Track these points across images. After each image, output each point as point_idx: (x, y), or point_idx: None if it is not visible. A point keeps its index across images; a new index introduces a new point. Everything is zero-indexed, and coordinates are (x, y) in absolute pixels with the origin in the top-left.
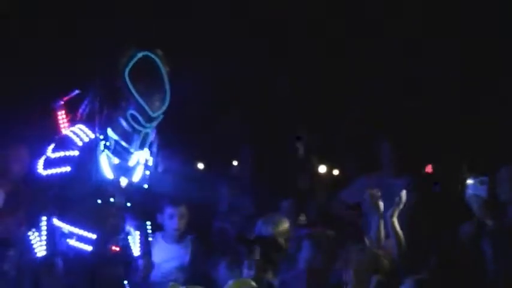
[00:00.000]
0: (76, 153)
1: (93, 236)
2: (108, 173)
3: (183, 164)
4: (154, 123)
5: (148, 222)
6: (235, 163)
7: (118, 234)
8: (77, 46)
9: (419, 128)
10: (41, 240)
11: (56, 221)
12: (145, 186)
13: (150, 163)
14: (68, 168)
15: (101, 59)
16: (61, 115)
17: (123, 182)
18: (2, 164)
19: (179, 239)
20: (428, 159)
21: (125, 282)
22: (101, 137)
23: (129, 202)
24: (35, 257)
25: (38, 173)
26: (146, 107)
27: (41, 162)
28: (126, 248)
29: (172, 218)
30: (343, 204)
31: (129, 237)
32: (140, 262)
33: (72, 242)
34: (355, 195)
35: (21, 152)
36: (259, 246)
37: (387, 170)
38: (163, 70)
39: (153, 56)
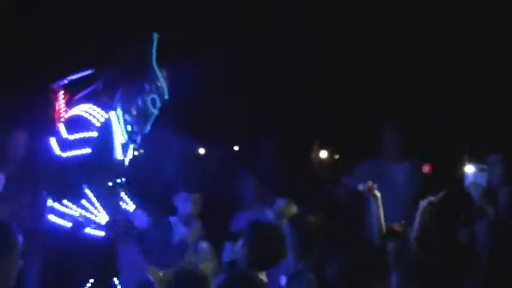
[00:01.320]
0: (95, 134)
1: (107, 219)
2: (119, 154)
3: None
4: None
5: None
6: (236, 148)
7: (122, 214)
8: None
9: (421, 115)
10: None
11: (69, 211)
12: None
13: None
14: (88, 150)
15: (112, 41)
16: (61, 95)
17: (126, 161)
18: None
19: (188, 222)
20: (430, 145)
21: None
22: (119, 113)
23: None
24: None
25: (55, 154)
26: (165, 89)
27: (55, 144)
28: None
29: (186, 201)
30: (347, 189)
31: None
32: (136, 213)
33: (88, 230)
34: (359, 181)
35: (19, 137)
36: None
37: (388, 156)
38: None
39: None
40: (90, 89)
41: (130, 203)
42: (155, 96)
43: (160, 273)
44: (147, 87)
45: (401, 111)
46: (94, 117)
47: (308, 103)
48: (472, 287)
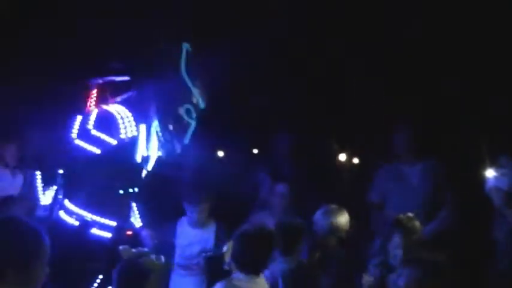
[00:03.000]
0: (114, 142)
1: (114, 224)
2: (137, 166)
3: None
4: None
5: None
6: (255, 151)
7: (129, 219)
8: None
9: (439, 119)
10: (44, 194)
11: (74, 208)
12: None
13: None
14: (98, 151)
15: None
16: (94, 94)
17: (144, 173)
18: (20, 152)
19: (203, 224)
20: (447, 149)
21: None
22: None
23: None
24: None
25: (70, 136)
26: (200, 100)
27: (76, 128)
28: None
29: (192, 212)
30: (373, 205)
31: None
32: (143, 233)
33: (95, 231)
34: (379, 192)
35: (34, 136)
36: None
37: (403, 159)
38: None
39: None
40: (125, 96)
41: (138, 219)
42: (190, 106)
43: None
44: (181, 98)
45: (417, 113)
46: (124, 127)
47: (327, 105)
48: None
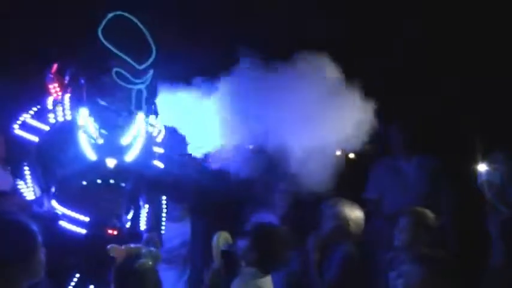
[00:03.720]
0: (46, 128)
1: (86, 219)
2: (90, 154)
3: None
4: (145, 79)
5: (163, 197)
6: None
7: (114, 217)
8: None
9: (431, 113)
10: (27, 187)
11: (49, 202)
12: (157, 163)
13: (159, 139)
14: (35, 139)
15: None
16: (54, 88)
17: (110, 162)
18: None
19: (181, 218)
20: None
21: None
22: (86, 110)
23: (124, 183)
24: (25, 201)
25: (12, 129)
26: (130, 61)
27: (19, 121)
28: (123, 229)
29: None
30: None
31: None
32: (145, 236)
33: (65, 224)
34: (376, 189)
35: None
36: None
37: (398, 154)
38: (142, 26)
39: (126, 15)
40: (67, 79)
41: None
42: (118, 69)
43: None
44: (104, 64)
45: (412, 108)
46: (54, 113)
47: None
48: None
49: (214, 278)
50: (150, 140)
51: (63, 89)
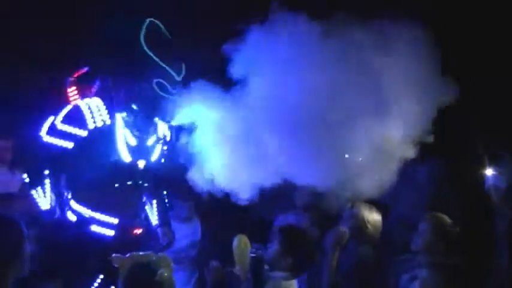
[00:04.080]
0: (84, 133)
1: (115, 221)
2: (125, 156)
3: None
4: (178, 89)
5: (164, 192)
6: None
7: (138, 216)
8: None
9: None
10: (45, 196)
11: (74, 205)
12: (162, 160)
13: (168, 138)
14: (69, 144)
15: (109, 34)
16: (72, 91)
17: (141, 164)
18: (14, 145)
19: (189, 218)
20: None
21: None
22: (123, 114)
23: (146, 182)
24: (40, 210)
25: (39, 136)
26: (171, 71)
27: (46, 126)
28: (145, 228)
29: (182, 208)
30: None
31: (146, 207)
32: (160, 231)
33: (94, 228)
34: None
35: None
36: None
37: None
38: (168, 35)
39: (156, 22)
40: (98, 85)
41: (154, 215)
42: (160, 79)
43: (123, 260)
44: (145, 74)
45: None
46: (92, 117)
47: None
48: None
49: (218, 276)
50: (166, 141)
51: (84, 93)
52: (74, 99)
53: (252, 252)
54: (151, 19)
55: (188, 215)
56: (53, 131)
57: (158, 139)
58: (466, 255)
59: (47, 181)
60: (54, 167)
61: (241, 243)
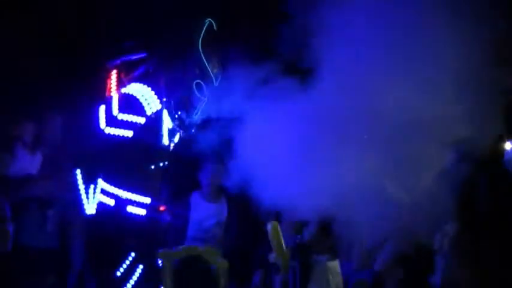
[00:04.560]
0: (143, 120)
1: (148, 201)
2: (165, 140)
3: None
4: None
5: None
6: None
7: (159, 195)
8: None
9: None
10: (94, 198)
11: (111, 188)
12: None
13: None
14: (130, 133)
15: (165, 24)
16: (113, 75)
17: (171, 146)
18: (38, 131)
19: (216, 197)
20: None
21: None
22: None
23: (170, 164)
24: (84, 215)
25: (99, 128)
26: (214, 78)
27: (102, 118)
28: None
29: (208, 173)
30: None
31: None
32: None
33: (131, 209)
34: None
35: (53, 121)
36: None
37: None
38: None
39: (212, 21)
40: (141, 69)
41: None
42: (201, 81)
43: (171, 254)
44: (192, 72)
45: None
46: (148, 103)
47: None
48: None
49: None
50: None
51: (125, 78)
52: (115, 84)
53: (295, 239)
54: (210, 19)
55: (213, 193)
56: (112, 121)
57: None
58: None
59: (100, 180)
60: (108, 160)
61: (275, 231)
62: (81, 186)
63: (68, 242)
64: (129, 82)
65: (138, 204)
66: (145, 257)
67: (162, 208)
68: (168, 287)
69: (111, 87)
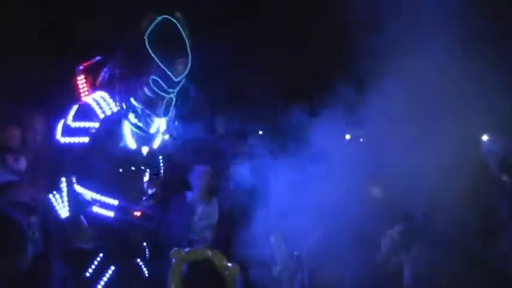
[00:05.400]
0: (96, 125)
1: (115, 202)
2: (131, 143)
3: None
4: (177, 88)
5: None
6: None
7: (140, 200)
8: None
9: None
10: (63, 202)
11: (78, 188)
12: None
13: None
14: (86, 139)
15: (120, 24)
16: (81, 80)
17: (145, 150)
18: (20, 133)
19: (207, 199)
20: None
21: (144, 244)
22: (124, 106)
23: (148, 168)
24: (60, 219)
25: (56, 139)
26: (168, 72)
27: (59, 129)
28: (145, 211)
29: (199, 175)
30: None
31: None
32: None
33: (96, 209)
34: None
35: (37, 122)
36: None
37: None
38: (184, 33)
39: (173, 19)
40: (104, 74)
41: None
42: (156, 77)
43: (183, 253)
44: (144, 70)
45: None
46: (100, 108)
47: None
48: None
49: None
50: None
51: (93, 84)
52: (83, 89)
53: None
54: (167, 16)
55: (204, 194)
56: (67, 131)
57: (158, 129)
58: None
59: (64, 185)
60: (72, 167)
61: (278, 243)
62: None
63: (49, 247)
64: (98, 89)
65: (104, 205)
66: (116, 258)
67: (137, 213)
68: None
69: (81, 93)
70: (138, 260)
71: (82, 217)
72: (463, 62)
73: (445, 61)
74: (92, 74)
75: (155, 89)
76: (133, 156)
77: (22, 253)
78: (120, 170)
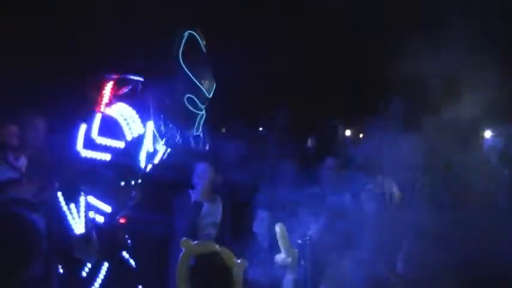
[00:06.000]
0: (122, 145)
1: (108, 209)
2: (143, 162)
3: None
4: (206, 104)
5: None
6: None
7: (126, 204)
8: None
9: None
10: (79, 217)
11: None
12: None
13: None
14: (108, 156)
15: (120, 25)
16: (108, 88)
17: (149, 167)
18: (18, 132)
19: (211, 197)
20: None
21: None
22: (152, 126)
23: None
24: (72, 234)
25: (75, 150)
26: (203, 89)
27: (80, 139)
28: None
29: (201, 173)
30: None
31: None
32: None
33: (92, 214)
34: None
35: (36, 121)
36: None
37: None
38: (203, 46)
39: (194, 33)
40: (128, 88)
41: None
42: (191, 95)
43: (192, 244)
44: (179, 87)
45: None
46: (129, 128)
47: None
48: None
49: None
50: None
51: (115, 96)
52: (106, 97)
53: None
54: (191, 31)
55: (208, 194)
56: (90, 145)
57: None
58: None
59: (82, 198)
60: (90, 181)
61: (282, 232)
62: (63, 204)
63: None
64: (115, 101)
65: (99, 211)
66: (108, 254)
67: (122, 220)
68: (184, 281)
69: (102, 102)
70: (124, 252)
71: (93, 232)
72: None
73: None
74: (117, 86)
75: (190, 107)
76: (137, 172)
77: (38, 255)
78: (122, 183)
